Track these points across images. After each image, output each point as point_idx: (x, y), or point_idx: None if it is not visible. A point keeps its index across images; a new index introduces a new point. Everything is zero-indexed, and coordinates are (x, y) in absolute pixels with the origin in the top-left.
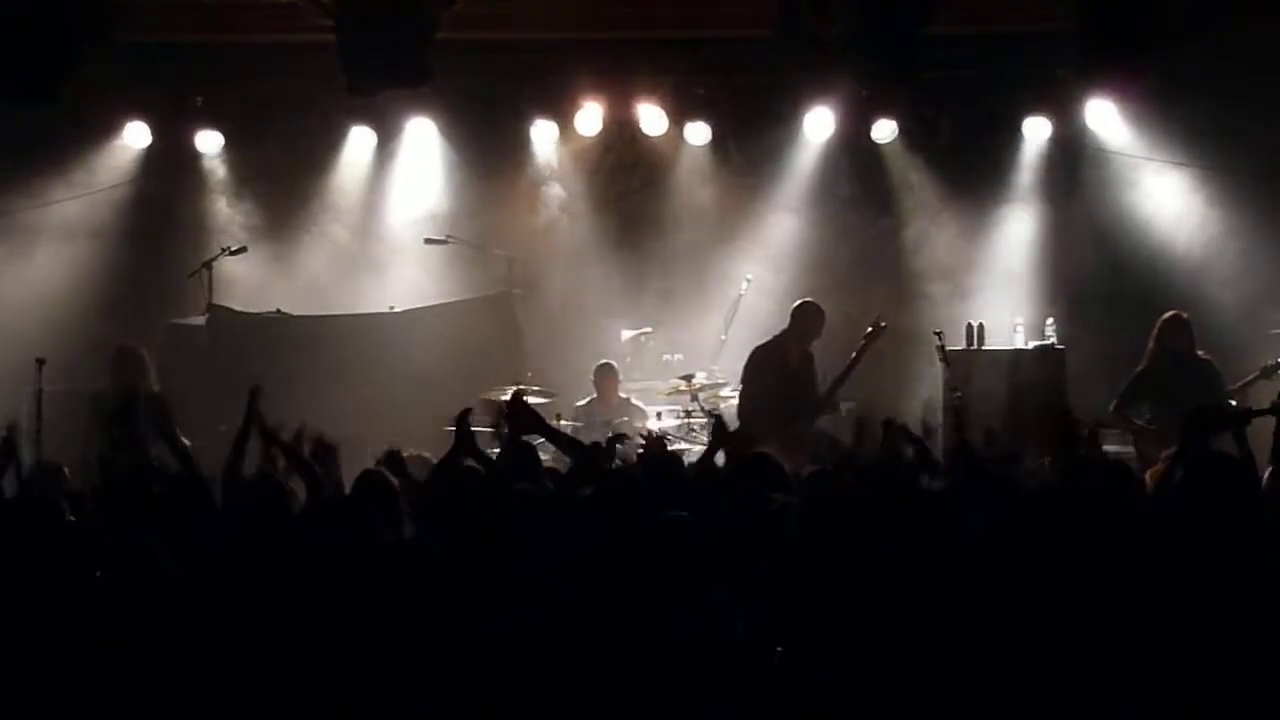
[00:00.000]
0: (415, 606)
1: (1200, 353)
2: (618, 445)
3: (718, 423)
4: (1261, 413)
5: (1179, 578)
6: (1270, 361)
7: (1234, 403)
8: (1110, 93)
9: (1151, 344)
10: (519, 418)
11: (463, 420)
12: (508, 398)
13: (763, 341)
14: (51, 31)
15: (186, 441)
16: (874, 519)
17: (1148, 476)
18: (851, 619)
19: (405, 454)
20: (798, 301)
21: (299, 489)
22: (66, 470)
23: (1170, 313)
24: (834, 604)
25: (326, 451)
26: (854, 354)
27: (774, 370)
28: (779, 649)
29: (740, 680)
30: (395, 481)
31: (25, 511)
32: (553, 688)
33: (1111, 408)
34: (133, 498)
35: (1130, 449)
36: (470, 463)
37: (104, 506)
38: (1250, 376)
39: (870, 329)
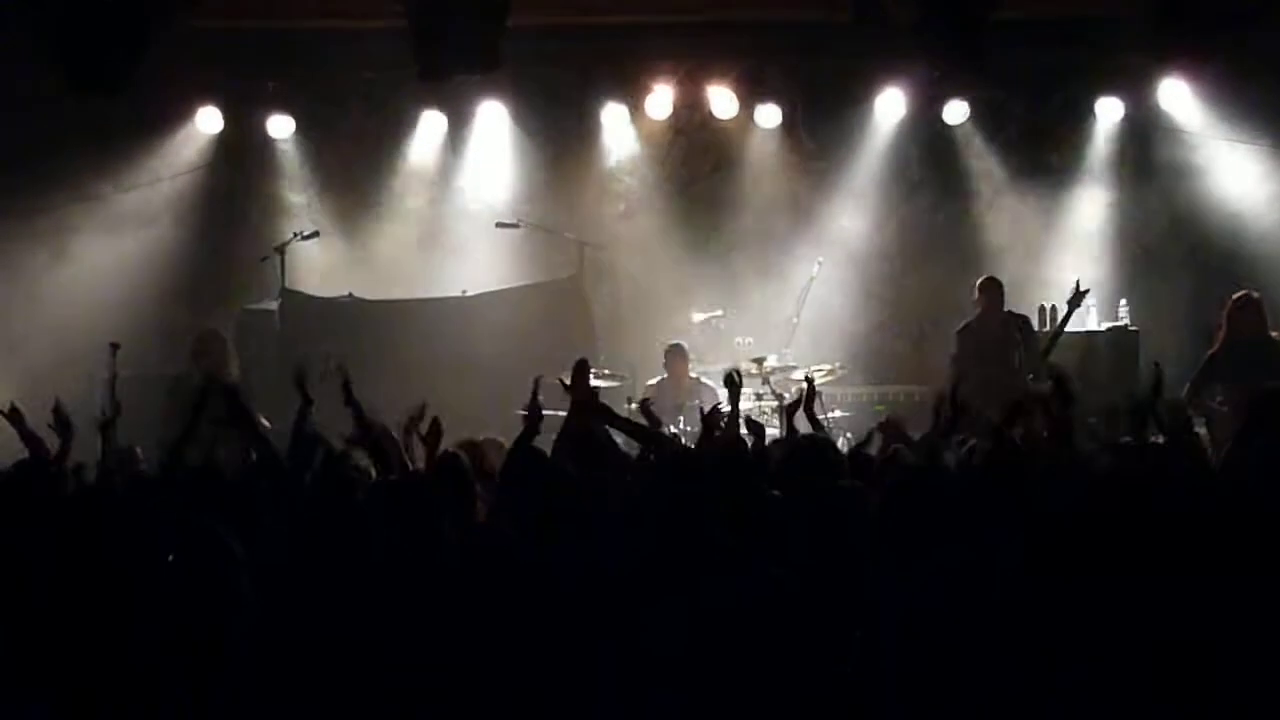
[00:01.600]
0: (487, 592)
1: (1274, 333)
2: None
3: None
4: None
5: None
6: None
7: None
8: (1182, 73)
9: (1222, 326)
10: (590, 406)
11: (534, 398)
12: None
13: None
14: (121, 20)
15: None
16: (956, 505)
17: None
18: (931, 605)
19: (481, 439)
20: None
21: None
22: (140, 451)
23: (1240, 293)
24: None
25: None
26: (1062, 316)
27: (975, 342)
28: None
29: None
30: (469, 466)
31: (103, 497)
32: (618, 671)
33: (1185, 391)
34: (205, 483)
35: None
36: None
37: (173, 492)
38: None
39: (1073, 293)
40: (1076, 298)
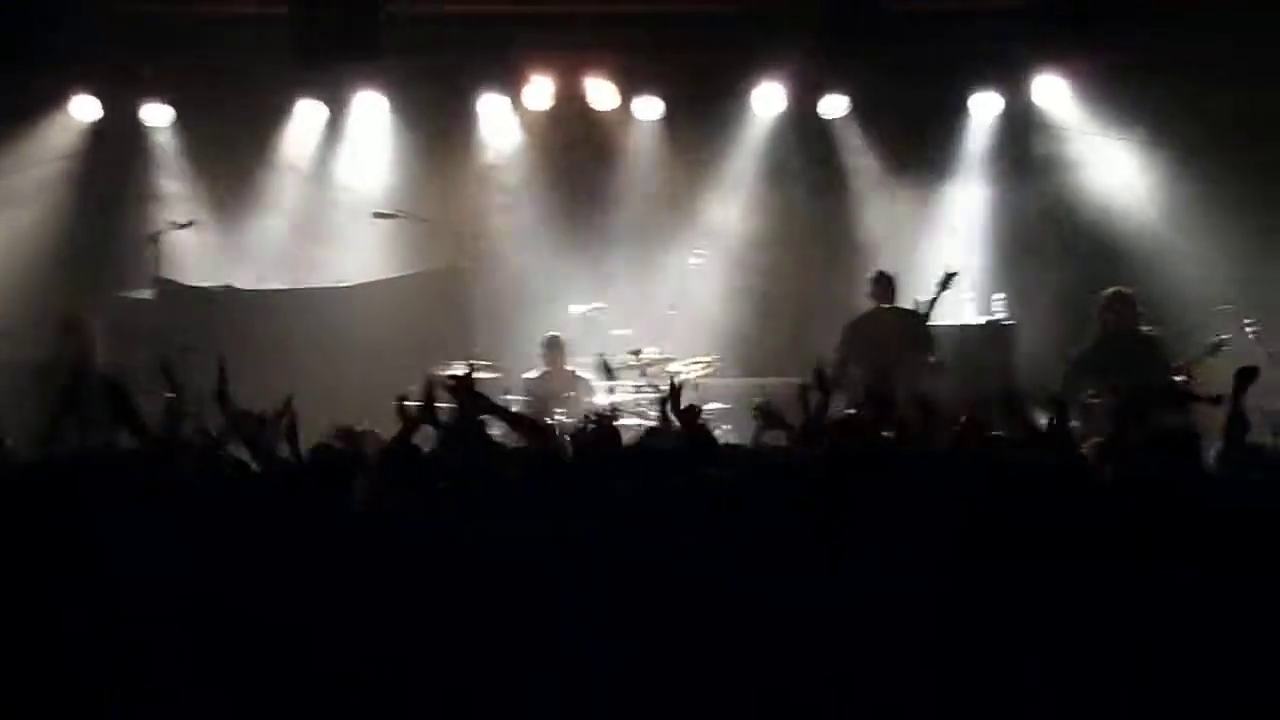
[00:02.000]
0: (368, 581)
1: (1145, 329)
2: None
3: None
4: (1197, 398)
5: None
6: (1215, 338)
7: (1180, 378)
8: (1059, 68)
9: (1096, 321)
10: (470, 397)
11: (429, 394)
12: (454, 375)
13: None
14: None
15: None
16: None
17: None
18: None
19: (356, 429)
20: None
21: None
22: (9, 442)
23: (1112, 289)
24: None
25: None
26: (930, 300)
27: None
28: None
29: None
30: (347, 455)
31: None
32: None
33: (1061, 385)
34: (78, 475)
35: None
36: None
37: (45, 482)
38: (1196, 353)
39: (943, 276)
40: (946, 280)
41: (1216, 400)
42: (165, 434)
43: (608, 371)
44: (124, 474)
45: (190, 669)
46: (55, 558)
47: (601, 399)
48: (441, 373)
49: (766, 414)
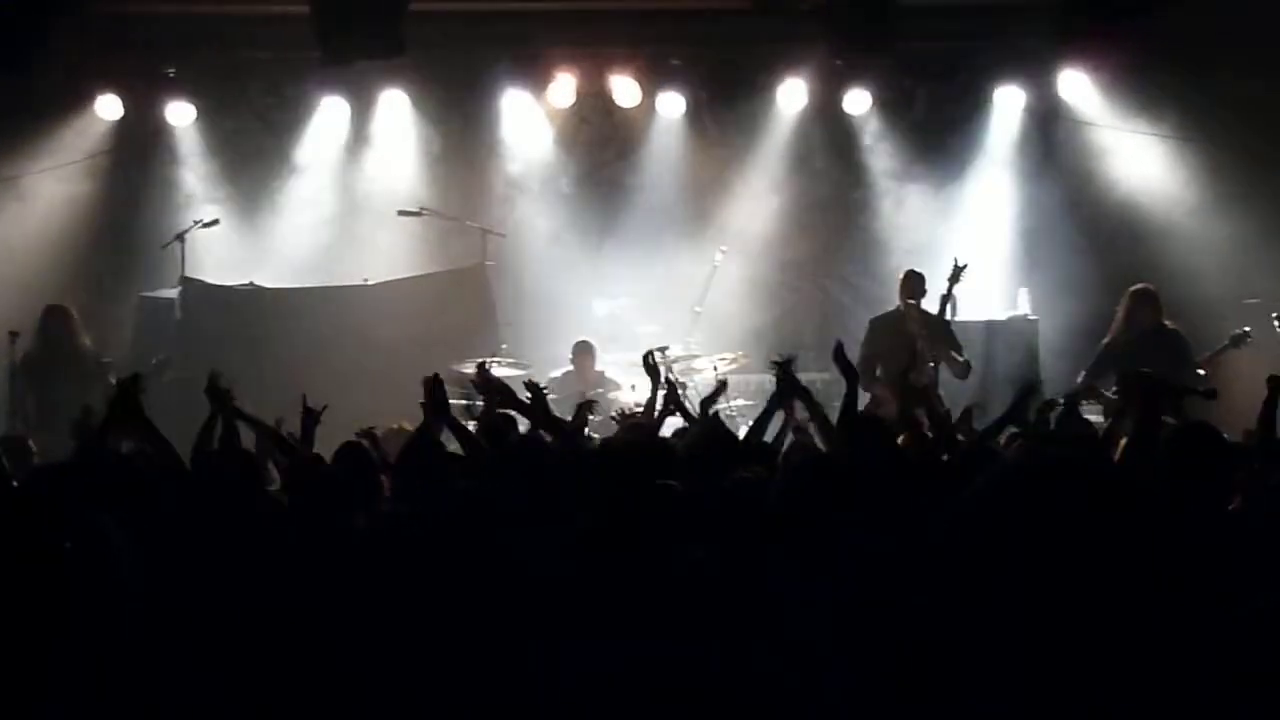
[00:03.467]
0: (393, 582)
1: (1168, 323)
2: (588, 414)
3: (671, 392)
4: (1193, 392)
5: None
6: (1238, 330)
7: (1201, 373)
8: (1084, 62)
9: (1119, 316)
10: (491, 391)
11: (436, 389)
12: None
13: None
14: (22, 3)
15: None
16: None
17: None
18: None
19: (386, 427)
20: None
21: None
22: (33, 444)
23: (1137, 285)
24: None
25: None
26: (943, 295)
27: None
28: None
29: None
30: (374, 454)
31: None
32: (535, 665)
33: (1080, 379)
34: (95, 476)
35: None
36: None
37: (62, 483)
38: (1220, 346)
39: (952, 270)
40: (955, 274)
41: (1212, 394)
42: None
43: (653, 368)
44: (136, 477)
45: (209, 676)
46: (72, 562)
47: (628, 398)
48: (463, 370)
49: (789, 379)
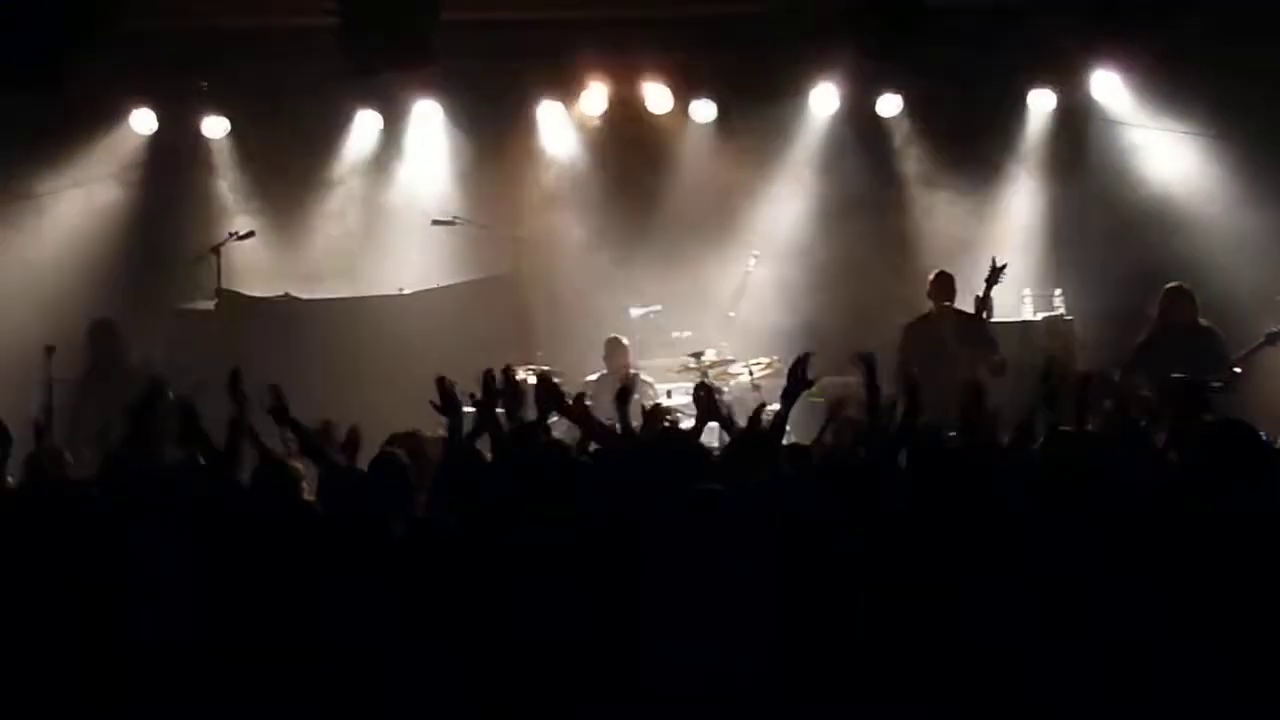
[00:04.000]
0: (428, 586)
1: (1202, 321)
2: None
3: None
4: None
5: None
6: (1274, 328)
7: (1238, 370)
8: (1115, 62)
9: (1154, 314)
10: (548, 398)
11: (447, 392)
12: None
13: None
14: (56, 19)
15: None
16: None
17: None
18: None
19: (425, 434)
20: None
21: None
22: (68, 455)
23: (1171, 283)
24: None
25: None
26: (982, 295)
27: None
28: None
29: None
30: (408, 463)
31: (31, 499)
32: (565, 662)
33: (1116, 378)
34: (139, 486)
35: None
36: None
37: (103, 494)
38: (1255, 344)
39: (990, 270)
40: (994, 273)
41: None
42: (229, 447)
43: (704, 401)
44: (176, 489)
45: (250, 682)
46: (109, 572)
47: (663, 401)
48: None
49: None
